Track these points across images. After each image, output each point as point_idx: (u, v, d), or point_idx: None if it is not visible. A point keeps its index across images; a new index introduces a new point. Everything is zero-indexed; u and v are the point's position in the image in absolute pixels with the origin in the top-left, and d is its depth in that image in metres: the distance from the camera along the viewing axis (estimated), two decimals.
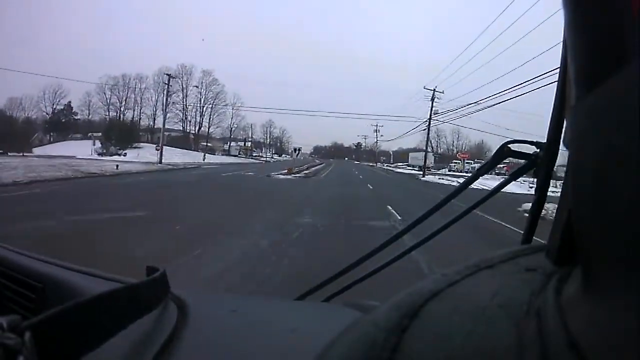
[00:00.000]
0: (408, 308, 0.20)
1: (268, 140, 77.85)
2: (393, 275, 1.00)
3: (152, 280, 0.55)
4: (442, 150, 71.67)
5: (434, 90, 36.00)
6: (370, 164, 68.94)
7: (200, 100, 58.29)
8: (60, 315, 0.36)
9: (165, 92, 30.54)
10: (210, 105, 58.59)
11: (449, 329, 0.19)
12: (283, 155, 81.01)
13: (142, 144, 47.55)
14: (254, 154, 67.62)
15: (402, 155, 74.72)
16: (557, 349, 0.15)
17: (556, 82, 0.44)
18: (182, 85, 56.79)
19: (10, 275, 0.67)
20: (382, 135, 71.08)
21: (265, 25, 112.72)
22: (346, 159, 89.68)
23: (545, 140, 0.51)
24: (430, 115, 35.45)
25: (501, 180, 0.72)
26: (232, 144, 63.53)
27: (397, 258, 0.80)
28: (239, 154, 60.97)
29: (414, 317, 0.20)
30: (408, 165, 59.46)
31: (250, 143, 68.12)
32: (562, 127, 0.45)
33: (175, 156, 36.95)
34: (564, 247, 0.23)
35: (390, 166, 67.52)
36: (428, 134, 37.30)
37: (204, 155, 40.67)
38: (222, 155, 55.67)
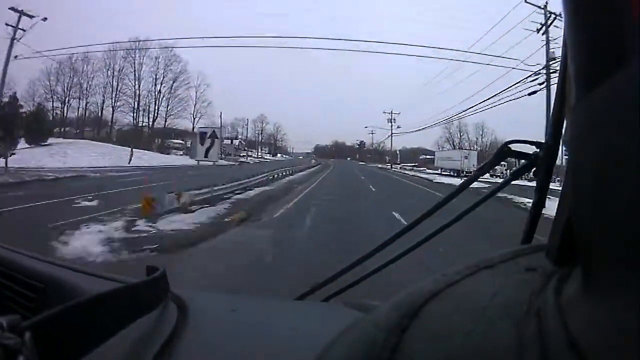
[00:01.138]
0: (408, 308, 0.20)
1: (260, 138, 65.21)
2: (392, 275, 0.93)
3: (152, 280, 0.55)
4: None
5: (545, 8, 16.12)
6: (380, 166, 52.48)
7: (155, 82, 43.48)
8: (61, 315, 0.36)
9: (10, 40, 16.61)
10: (169, 90, 44.11)
11: (449, 328, 0.18)
12: (279, 154, 68.44)
13: (81, 140, 35.47)
14: (243, 154, 54.68)
15: (413, 154, 60.86)
16: (557, 349, 0.15)
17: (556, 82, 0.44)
18: (135, 65, 42.99)
19: (11, 275, 0.67)
20: (398, 127, 52.59)
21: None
22: (348, 158, 77.09)
23: (545, 140, 0.52)
24: (548, 58, 15.26)
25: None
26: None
27: (396, 259, 0.79)
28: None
29: (414, 317, 0.20)
30: (424, 168, 45.14)
31: (238, 141, 55.68)
32: (562, 127, 0.45)
33: (85, 156, 25.30)
34: (564, 247, 0.22)
35: (405, 168, 50.60)
36: (548, 91, 14.57)
37: (131, 154, 28.35)
38: (184, 155, 42.10)
